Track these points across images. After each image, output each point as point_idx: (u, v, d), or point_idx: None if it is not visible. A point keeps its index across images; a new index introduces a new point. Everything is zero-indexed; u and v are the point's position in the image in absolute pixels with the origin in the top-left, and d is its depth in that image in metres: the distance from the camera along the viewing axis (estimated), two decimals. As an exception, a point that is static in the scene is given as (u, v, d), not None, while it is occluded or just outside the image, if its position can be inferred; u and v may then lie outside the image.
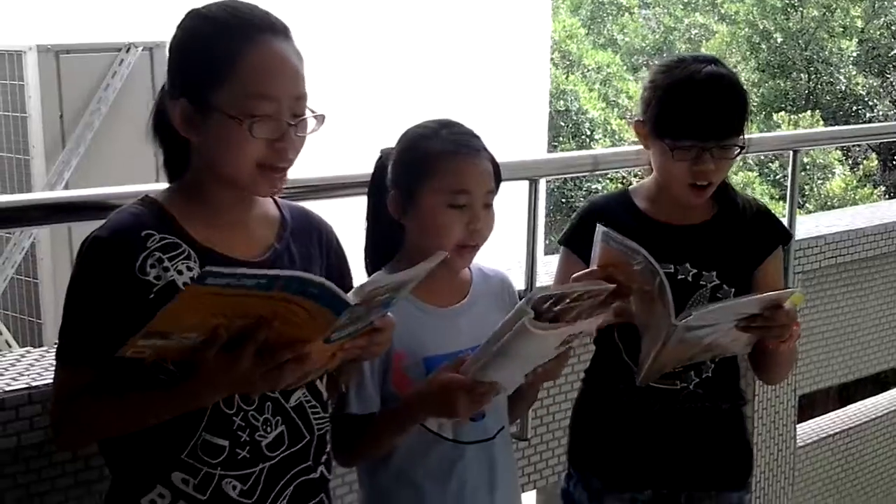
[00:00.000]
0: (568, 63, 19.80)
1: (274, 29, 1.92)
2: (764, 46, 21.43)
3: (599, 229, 2.24)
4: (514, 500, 2.46)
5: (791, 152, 4.21)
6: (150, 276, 1.86)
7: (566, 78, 18.93)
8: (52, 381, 2.27)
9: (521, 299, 2.12)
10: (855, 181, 18.42)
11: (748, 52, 21.27)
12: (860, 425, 4.92)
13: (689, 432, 2.56)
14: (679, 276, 2.46)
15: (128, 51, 6.44)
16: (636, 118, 2.55)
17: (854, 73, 20.83)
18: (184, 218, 1.94)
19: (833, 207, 16.83)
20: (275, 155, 1.89)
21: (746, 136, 2.46)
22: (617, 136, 18.48)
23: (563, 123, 18.47)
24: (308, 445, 2.03)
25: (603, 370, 2.62)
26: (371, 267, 2.37)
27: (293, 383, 1.87)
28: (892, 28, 21.70)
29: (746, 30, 21.63)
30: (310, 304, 1.70)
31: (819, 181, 18.11)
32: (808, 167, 17.64)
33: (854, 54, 21.00)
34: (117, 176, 5.97)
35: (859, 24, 21.45)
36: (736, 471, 2.66)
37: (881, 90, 21.26)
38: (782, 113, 19.03)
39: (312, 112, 1.92)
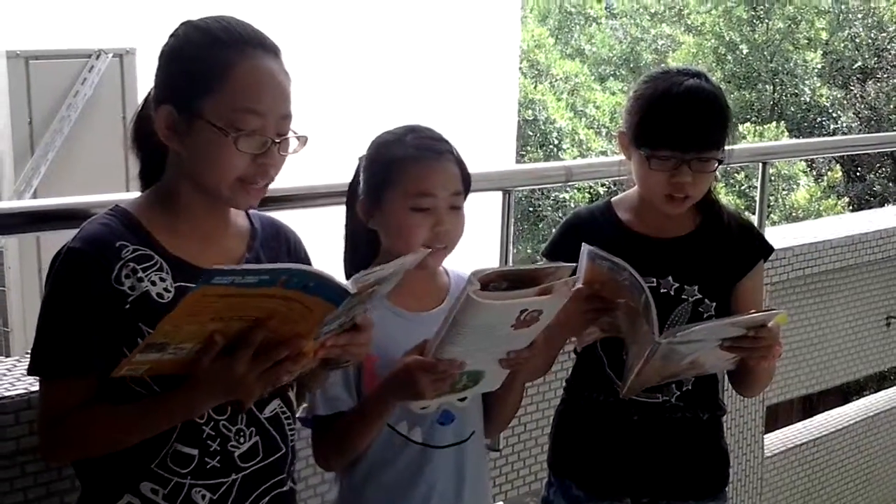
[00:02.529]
0: (536, 73, 19.82)
1: (265, 46, 1.94)
2: (730, 58, 21.53)
3: (585, 248, 2.26)
4: None
5: (760, 164, 4.25)
6: (125, 286, 1.86)
7: (534, 87, 18.94)
8: (24, 391, 2.27)
9: None
10: (819, 192, 18.52)
11: (714, 64, 21.35)
12: (826, 436, 4.97)
13: (668, 442, 2.58)
14: (661, 290, 2.47)
15: (98, 57, 6.40)
16: (619, 129, 2.55)
17: (818, 84, 20.96)
18: (155, 228, 1.94)
19: (798, 218, 16.96)
20: (257, 170, 1.91)
21: (726, 149, 2.46)
22: (585, 146, 18.50)
23: (530, 133, 18.48)
24: (284, 457, 2.04)
25: (585, 381, 2.63)
26: (350, 272, 2.38)
27: (286, 382, 1.87)
28: (856, 41, 21.87)
29: (713, 41, 21.72)
30: (308, 299, 1.71)
31: (784, 192, 18.22)
32: (772, 178, 17.72)
33: (818, 66, 21.12)
34: (86, 183, 5.94)
35: (824, 36, 21.59)
36: (713, 480, 2.68)
37: (845, 102, 21.40)
38: (748, 124, 19.15)
39: (295, 133, 1.95)
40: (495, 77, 10.98)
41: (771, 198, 17.81)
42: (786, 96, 21.35)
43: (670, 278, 2.50)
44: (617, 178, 2.70)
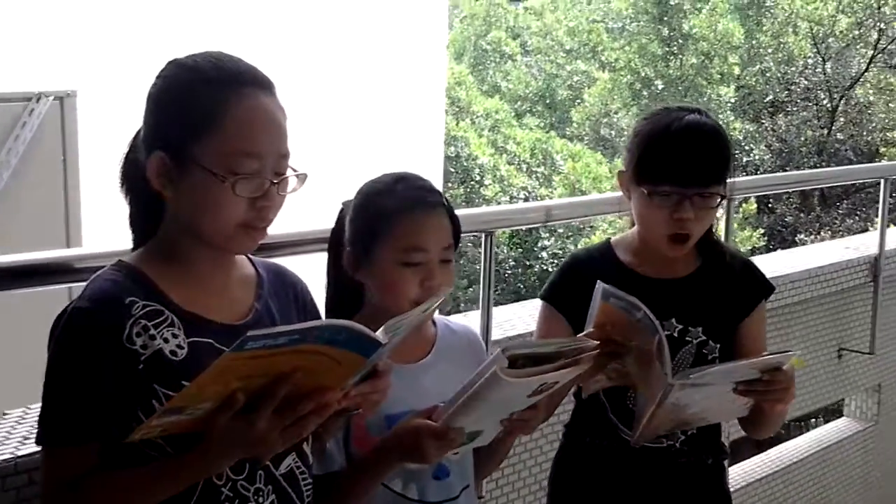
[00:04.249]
0: (457, 109, 19.91)
1: (259, 82, 1.84)
2: (645, 93, 21.82)
3: (599, 286, 2.21)
4: None
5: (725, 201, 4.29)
6: (138, 345, 1.76)
7: (456, 124, 19.03)
8: (11, 455, 2.18)
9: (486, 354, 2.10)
10: (735, 224, 18.83)
11: (630, 99, 21.65)
12: (784, 468, 5.01)
13: (673, 487, 2.55)
14: (665, 332, 2.44)
15: (38, 100, 6.24)
16: (619, 170, 2.53)
17: (732, 118, 21.34)
18: (163, 282, 1.84)
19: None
20: (256, 214, 1.82)
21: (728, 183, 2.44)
22: (506, 182, 18.60)
23: (452, 169, 18.53)
24: None
25: (586, 426, 2.59)
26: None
27: (307, 435, 1.79)
28: (767, 75, 22.34)
29: (628, 76, 22.03)
30: (336, 352, 1.65)
31: (703, 224, 18.48)
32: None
33: (732, 100, 21.53)
34: (27, 229, 5.81)
35: (736, 71, 22.02)
36: None
37: (757, 135, 21.82)
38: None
39: (294, 171, 1.86)
40: (422, 114, 11.00)
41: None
42: (700, 130, 21.67)
43: (674, 320, 2.47)
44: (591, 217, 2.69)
